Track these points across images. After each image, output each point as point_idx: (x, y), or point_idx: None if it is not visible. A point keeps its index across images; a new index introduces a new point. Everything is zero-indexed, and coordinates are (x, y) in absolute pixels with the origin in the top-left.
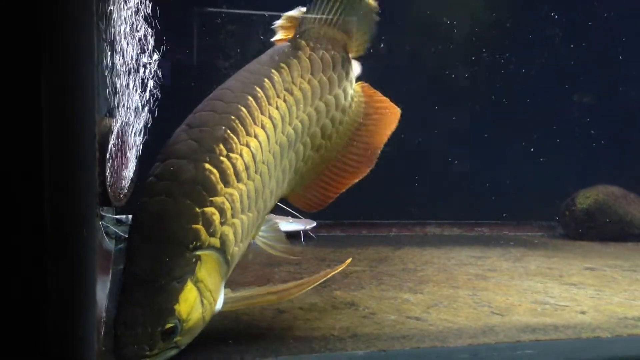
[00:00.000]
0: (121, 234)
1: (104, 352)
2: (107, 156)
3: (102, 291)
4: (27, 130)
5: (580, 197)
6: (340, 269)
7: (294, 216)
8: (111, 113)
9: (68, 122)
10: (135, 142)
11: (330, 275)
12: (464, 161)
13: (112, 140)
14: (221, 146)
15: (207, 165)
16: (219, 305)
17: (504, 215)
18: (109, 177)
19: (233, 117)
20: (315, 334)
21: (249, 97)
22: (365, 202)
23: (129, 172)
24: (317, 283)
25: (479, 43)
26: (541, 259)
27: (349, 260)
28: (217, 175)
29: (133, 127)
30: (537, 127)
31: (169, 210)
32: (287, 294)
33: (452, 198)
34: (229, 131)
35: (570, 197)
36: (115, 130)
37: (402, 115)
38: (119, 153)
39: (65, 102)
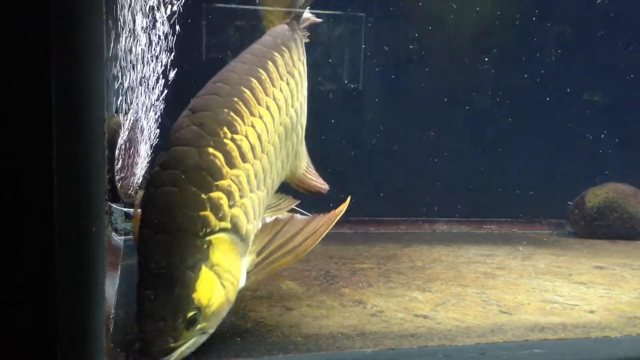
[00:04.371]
0: (130, 229)
1: (112, 349)
2: (117, 153)
3: (111, 287)
4: (37, 128)
5: (590, 195)
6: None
7: (301, 214)
8: (121, 110)
9: (77, 120)
10: (146, 139)
11: (337, 217)
12: (473, 158)
13: (122, 137)
14: (225, 129)
15: (211, 150)
16: (242, 282)
17: (513, 212)
18: (118, 173)
19: (236, 99)
20: (323, 332)
21: (253, 80)
22: (373, 199)
23: (140, 168)
24: (329, 228)
25: (488, 41)
26: (550, 258)
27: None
28: (222, 158)
29: (144, 124)
30: (547, 125)
31: (175, 200)
32: (304, 248)
33: (461, 195)
34: (232, 113)
35: (580, 195)
36: (126, 127)
37: (411, 112)
38: (130, 150)
39: (74, 100)
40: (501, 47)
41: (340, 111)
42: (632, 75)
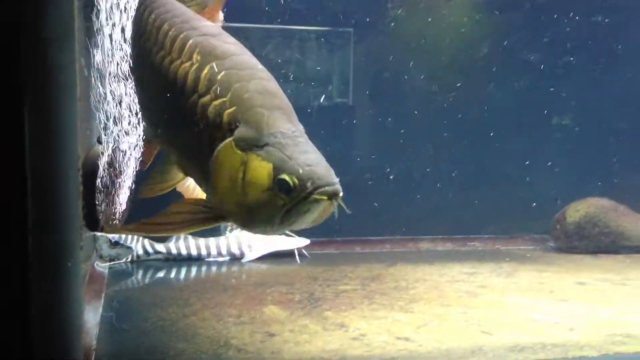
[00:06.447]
0: (115, 255)
1: None
2: (98, 182)
3: (94, 317)
4: (11, 167)
5: (570, 210)
6: None
7: (286, 235)
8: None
9: (51, 158)
10: (128, 166)
11: None
12: (456, 176)
13: (103, 166)
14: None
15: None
16: None
17: (496, 229)
18: (100, 202)
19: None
20: (304, 357)
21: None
22: (358, 219)
23: (123, 196)
24: None
25: (469, 59)
26: (532, 274)
27: None
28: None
29: (126, 151)
30: (527, 141)
31: (274, 86)
32: None
33: (445, 213)
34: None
35: (561, 210)
36: (106, 156)
37: (395, 131)
38: (112, 179)
39: (48, 139)
40: (480, 63)
41: (325, 129)
42: (612, 89)
